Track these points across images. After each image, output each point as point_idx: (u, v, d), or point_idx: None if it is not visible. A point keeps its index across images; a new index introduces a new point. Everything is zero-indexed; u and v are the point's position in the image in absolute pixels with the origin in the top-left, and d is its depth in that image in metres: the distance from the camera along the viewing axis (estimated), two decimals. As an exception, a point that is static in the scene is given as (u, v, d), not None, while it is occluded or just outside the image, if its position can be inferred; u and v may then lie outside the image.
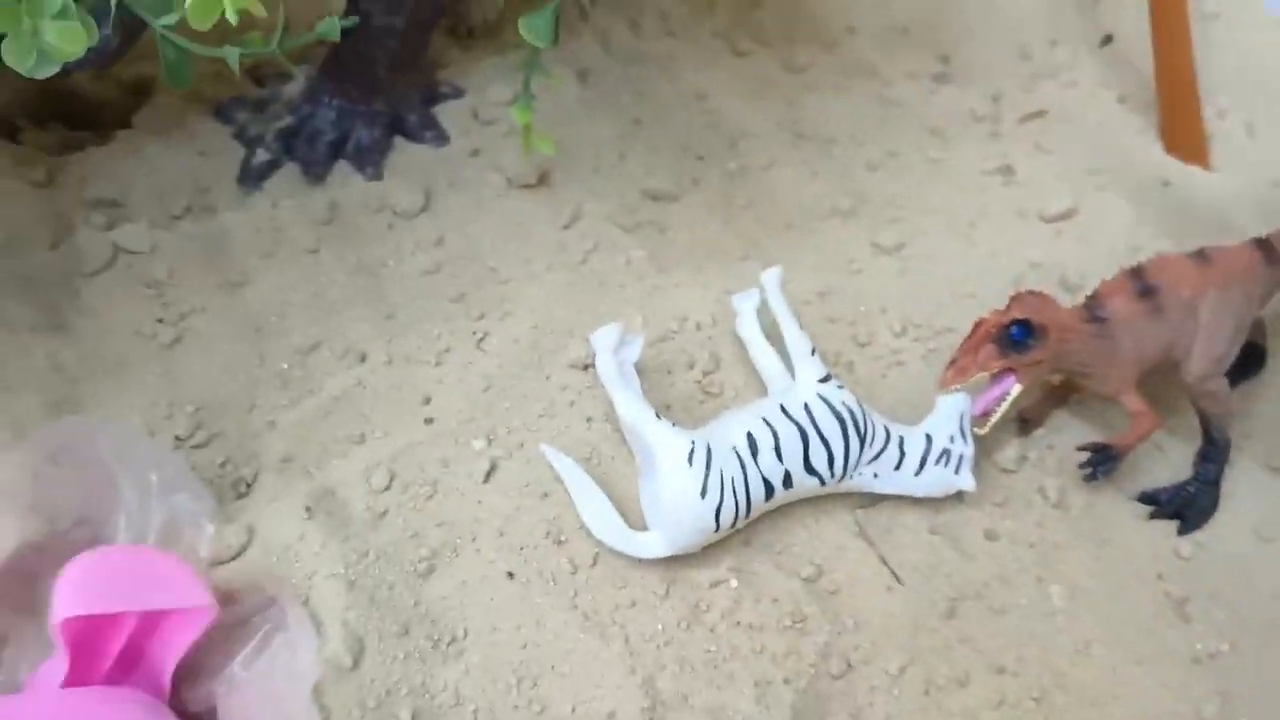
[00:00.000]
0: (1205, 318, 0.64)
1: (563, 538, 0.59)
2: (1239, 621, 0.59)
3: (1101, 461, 0.64)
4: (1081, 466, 0.64)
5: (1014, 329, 0.60)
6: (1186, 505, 0.65)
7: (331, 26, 0.52)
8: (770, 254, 0.73)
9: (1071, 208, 0.79)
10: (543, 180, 0.72)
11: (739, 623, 0.57)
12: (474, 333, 0.67)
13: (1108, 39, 0.93)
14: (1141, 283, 0.63)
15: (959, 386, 0.61)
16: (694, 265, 0.72)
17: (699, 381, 0.66)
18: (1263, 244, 0.66)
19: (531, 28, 0.61)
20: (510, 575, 0.57)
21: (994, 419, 0.62)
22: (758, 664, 0.55)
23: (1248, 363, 0.71)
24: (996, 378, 0.62)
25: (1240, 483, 0.66)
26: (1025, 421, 0.68)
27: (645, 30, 0.83)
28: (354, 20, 0.60)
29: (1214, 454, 0.66)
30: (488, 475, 0.61)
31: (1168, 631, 0.59)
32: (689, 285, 0.70)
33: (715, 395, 0.66)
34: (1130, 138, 0.85)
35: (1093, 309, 0.63)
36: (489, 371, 0.65)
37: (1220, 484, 0.65)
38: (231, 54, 0.47)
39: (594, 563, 0.58)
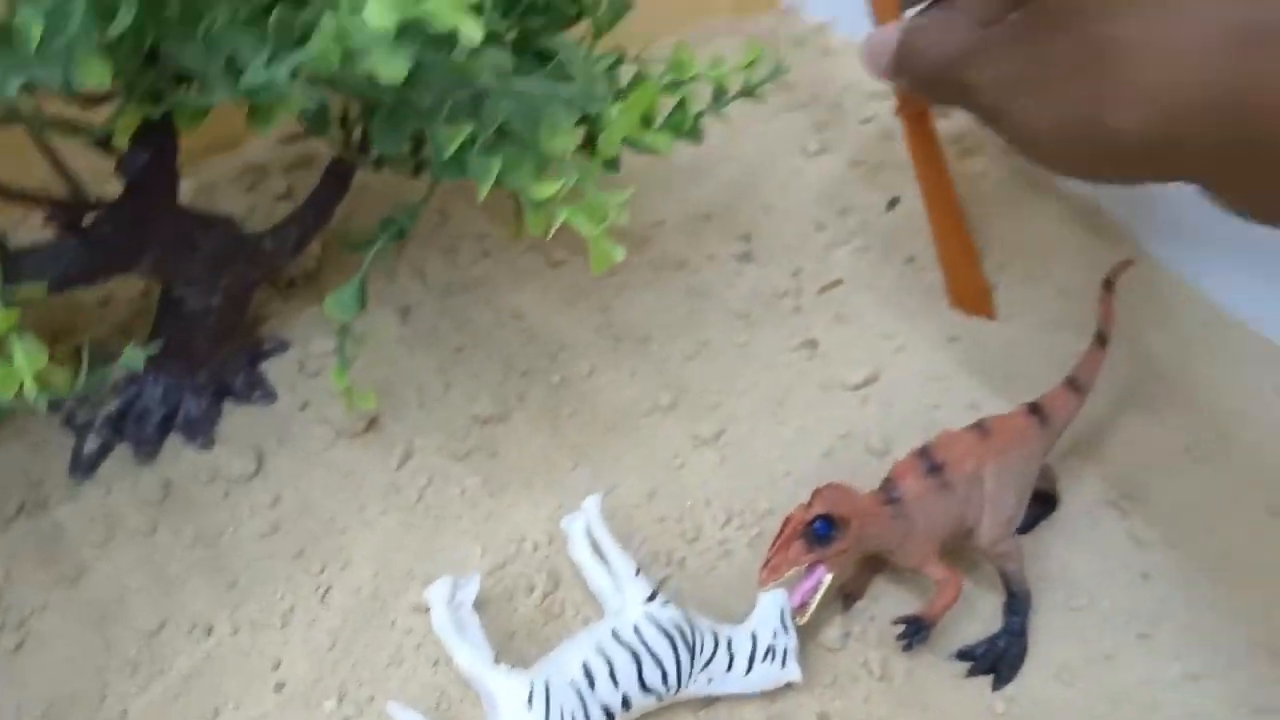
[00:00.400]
0: (990, 487, 0.70)
1: (418, 792, 0.61)
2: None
3: (915, 631, 0.69)
4: (898, 639, 0.69)
5: (818, 524, 0.65)
6: (998, 659, 0.71)
7: (134, 356, 0.55)
8: (597, 461, 0.78)
9: (872, 374, 0.86)
10: (371, 425, 0.76)
11: None
12: (316, 588, 0.69)
13: (894, 201, 1.02)
14: (929, 461, 0.69)
15: (776, 583, 0.66)
16: (526, 483, 0.76)
17: (540, 605, 0.70)
18: (1035, 408, 0.73)
19: (338, 304, 0.66)
20: (369, 838, 0.59)
21: (811, 608, 0.67)
22: None
23: (1041, 509, 0.78)
24: (809, 570, 0.67)
25: (1041, 628, 0.71)
26: (848, 596, 0.73)
27: (461, 257, 0.88)
28: (158, 346, 0.63)
29: (1017, 606, 0.72)
30: (343, 733, 0.63)
31: (990, 792, 0.64)
32: (523, 505, 0.74)
33: (557, 616, 0.69)
34: (920, 297, 0.93)
35: (888, 491, 0.69)
36: (333, 627, 0.68)
37: (1026, 633, 0.71)
38: (40, 403, 0.50)
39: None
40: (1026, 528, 0.78)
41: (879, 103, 1.08)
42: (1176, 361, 0.88)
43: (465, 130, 0.54)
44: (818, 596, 0.67)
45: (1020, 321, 0.91)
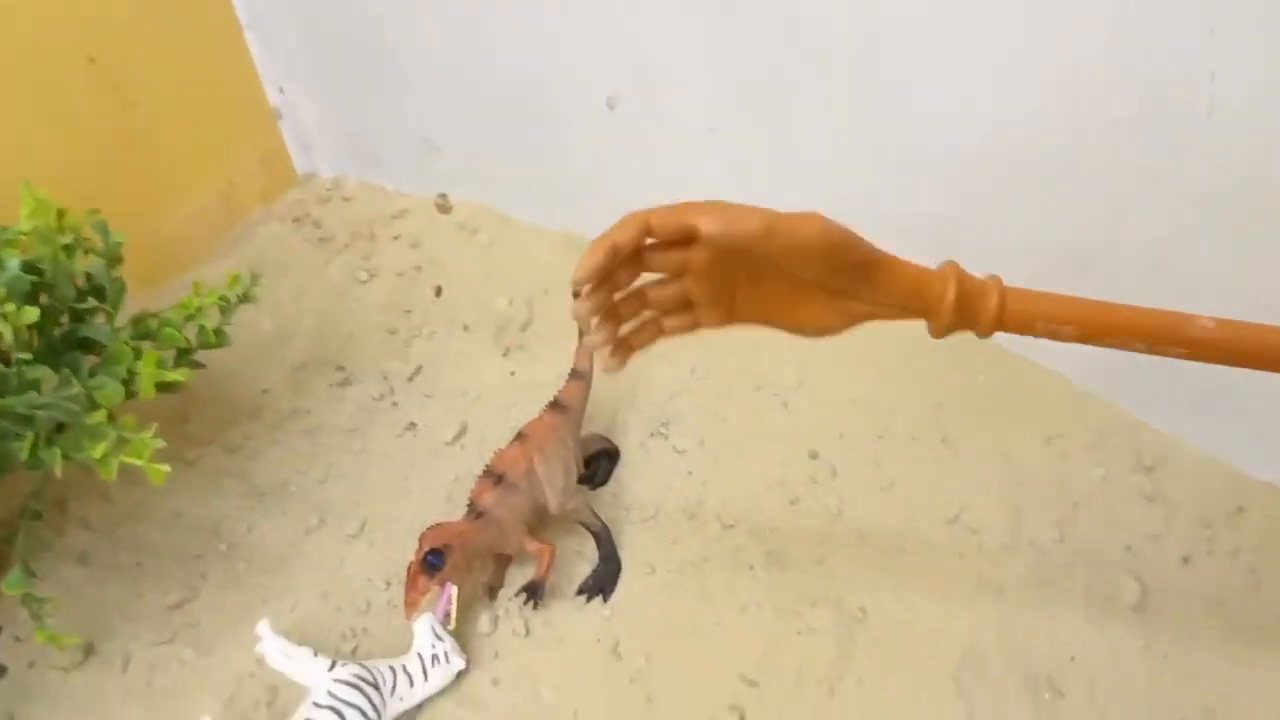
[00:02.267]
0: (541, 472, 0.96)
1: None
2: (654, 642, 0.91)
3: (534, 592, 0.94)
4: (525, 603, 0.95)
5: (429, 558, 0.89)
6: (602, 582, 0.97)
7: None
8: (280, 590, 0.99)
9: (461, 426, 1.11)
10: (90, 652, 0.95)
11: None
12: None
13: (439, 290, 1.28)
14: (493, 476, 0.95)
15: (418, 613, 0.90)
16: (232, 634, 0.96)
17: (267, 714, 0.91)
18: (555, 404, 1.00)
19: (11, 584, 0.84)
20: None
21: (453, 615, 0.91)
22: None
23: (608, 458, 1.06)
24: (441, 591, 0.91)
25: (628, 544, 0.98)
26: (492, 589, 0.98)
27: (114, 494, 1.07)
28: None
29: (601, 541, 0.98)
30: None
31: (613, 680, 0.89)
32: (235, 651, 0.95)
33: (284, 716, 0.90)
34: (482, 352, 1.19)
35: (473, 509, 0.94)
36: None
37: (617, 555, 0.98)
38: None
39: None
40: (605, 480, 1.05)
41: (401, 221, 1.35)
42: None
43: (29, 438, 0.75)
44: (454, 606, 0.91)
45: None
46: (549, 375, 1.13)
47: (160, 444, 0.79)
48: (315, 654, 0.89)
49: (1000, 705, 0.83)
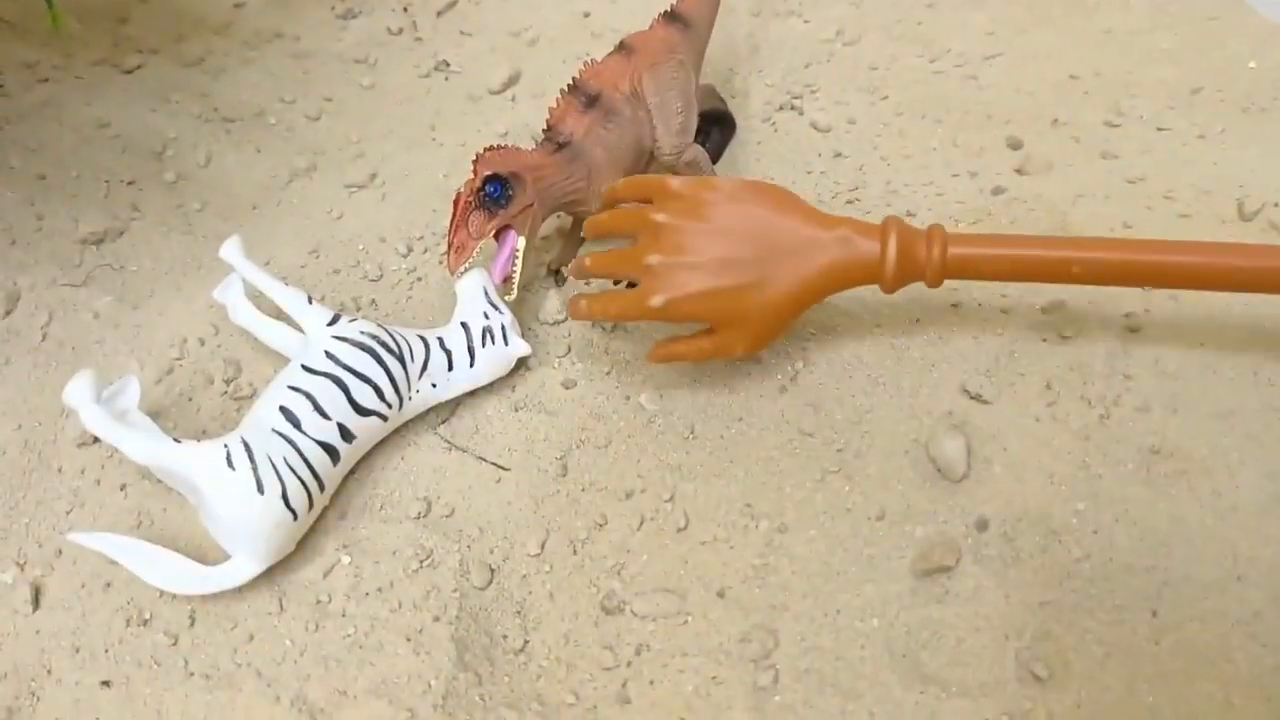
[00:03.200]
0: (652, 100, 0.66)
1: (146, 616, 0.52)
2: (802, 342, 0.63)
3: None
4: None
5: (489, 187, 0.59)
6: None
7: None
8: (246, 239, 0.68)
9: (513, 73, 0.80)
10: (-43, 281, 0.63)
11: (367, 593, 0.53)
12: (-47, 468, 0.57)
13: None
14: (583, 95, 0.64)
15: (469, 265, 0.59)
16: (172, 286, 0.66)
17: (225, 392, 0.61)
18: (671, 16, 0.69)
19: None
20: (106, 684, 0.50)
21: (516, 280, 0.61)
22: (401, 619, 0.52)
23: (720, 127, 0.75)
24: (499, 241, 0.61)
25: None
26: (556, 273, 0.68)
27: (12, 88, 0.74)
28: None
29: None
30: (35, 600, 0.53)
31: (747, 379, 0.61)
32: (175, 306, 0.64)
33: (247, 397, 0.60)
34: (539, -9, 0.87)
35: (554, 138, 0.63)
36: (-11, 498, 0.56)
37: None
38: None
39: (192, 622, 0.52)
40: (716, 155, 0.75)
41: None
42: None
43: None
44: (518, 265, 0.61)
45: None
46: (640, 18, 0.82)
47: None
48: (310, 300, 0.58)
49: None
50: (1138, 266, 0.53)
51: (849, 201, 0.70)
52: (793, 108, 0.77)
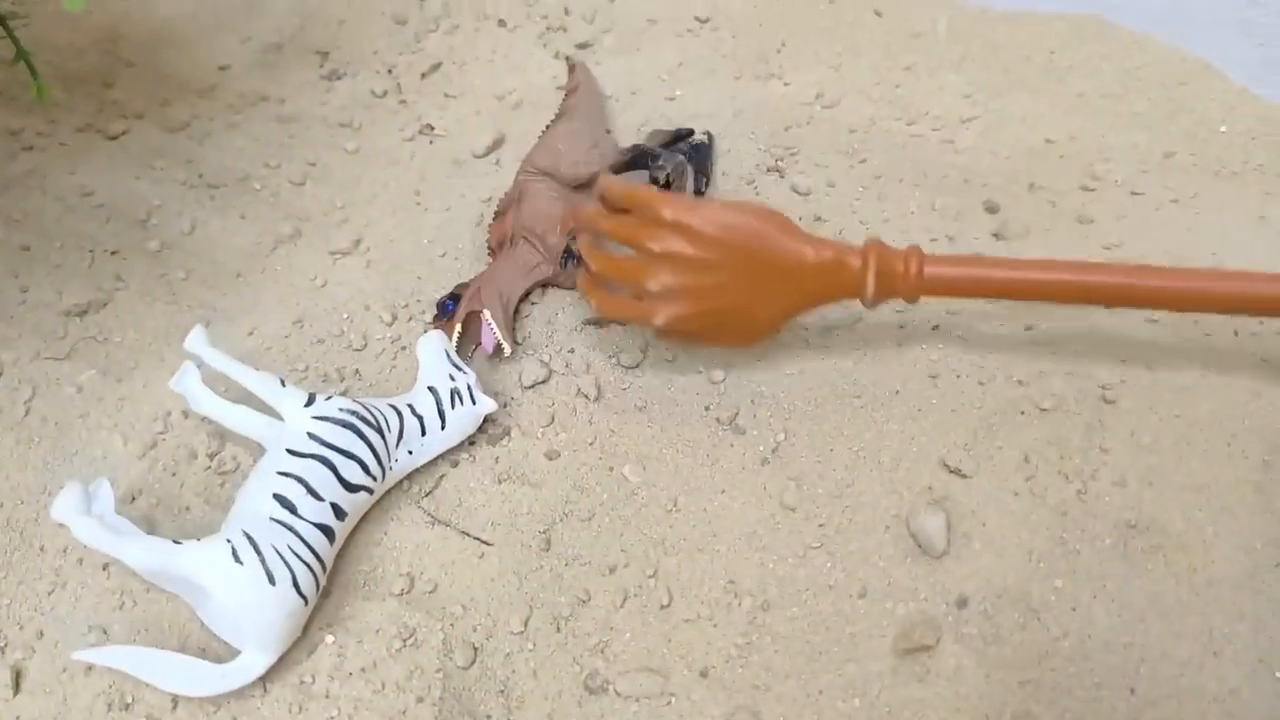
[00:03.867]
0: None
1: (128, 700, 0.52)
2: (784, 414, 0.63)
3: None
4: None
5: (447, 304, 0.67)
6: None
7: None
8: (230, 310, 0.68)
9: (497, 137, 0.80)
10: (-60, 356, 0.63)
11: (350, 673, 0.53)
12: (-68, 549, 0.57)
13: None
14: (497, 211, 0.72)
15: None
16: (156, 357, 0.66)
17: (209, 467, 0.61)
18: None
19: None
20: (86, 773, 0.50)
21: (503, 339, 0.64)
22: (384, 701, 0.52)
23: (695, 148, 0.76)
24: (470, 327, 0.65)
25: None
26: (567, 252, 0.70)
27: (-7, 153, 0.75)
28: None
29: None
30: (15, 684, 0.52)
31: (730, 450, 0.61)
32: (158, 379, 0.64)
33: (231, 472, 0.60)
34: (527, 50, 0.88)
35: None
36: (-29, 578, 0.56)
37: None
38: None
39: (175, 705, 0.52)
40: (702, 168, 0.76)
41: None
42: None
43: None
44: (498, 330, 0.63)
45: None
46: (616, 84, 0.83)
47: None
48: (283, 383, 0.58)
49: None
50: (1107, 288, 0.57)
51: (829, 267, 0.71)
52: (773, 170, 0.78)
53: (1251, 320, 0.65)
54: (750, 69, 0.86)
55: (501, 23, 0.91)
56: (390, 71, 0.87)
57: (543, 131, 0.76)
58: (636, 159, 0.72)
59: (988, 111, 0.81)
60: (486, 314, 0.63)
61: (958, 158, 0.78)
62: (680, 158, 0.70)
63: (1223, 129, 0.78)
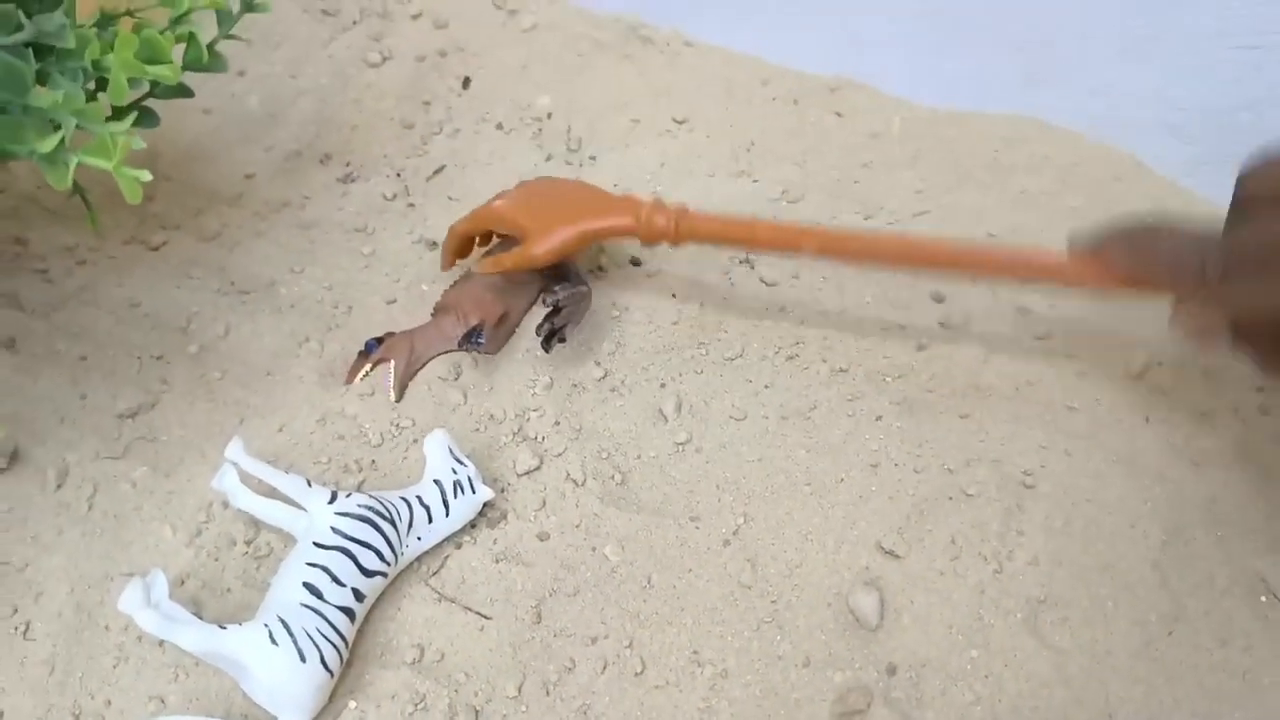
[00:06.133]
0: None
1: (184, 763, 0.61)
2: (745, 499, 0.72)
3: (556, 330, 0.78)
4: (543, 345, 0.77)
5: (368, 345, 0.80)
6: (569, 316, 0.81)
7: None
8: (262, 408, 0.78)
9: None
10: (15, 459, 0.73)
11: (369, 736, 0.62)
12: (14, 630, 0.67)
13: (467, 81, 1.05)
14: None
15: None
16: (198, 453, 0.75)
17: (246, 552, 0.70)
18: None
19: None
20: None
21: (392, 387, 0.78)
22: (398, 761, 0.61)
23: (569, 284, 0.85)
24: (380, 372, 0.80)
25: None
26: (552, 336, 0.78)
27: (55, 273, 0.84)
28: None
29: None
30: (87, 750, 0.62)
31: (696, 532, 0.70)
32: (201, 474, 0.74)
33: (266, 556, 0.70)
34: (523, 152, 0.98)
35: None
36: (47, 655, 0.65)
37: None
38: None
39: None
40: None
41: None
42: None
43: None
44: (392, 378, 0.78)
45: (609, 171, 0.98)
46: (606, 179, 0.92)
47: (140, 145, 0.57)
48: (309, 483, 0.68)
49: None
50: (853, 243, 0.72)
51: (790, 357, 0.80)
52: (745, 262, 0.87)
53: (1162, 406, 0.74)
54: (723, 167, 0.95)
55: (499, 126, 1.01)
56: (399, 175, 0.97)
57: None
58: (559, 270, 0.83)
59: (939, 206, 0.90)
60: (392, 364, 0.78)
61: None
62: (584, 287, 0.81)
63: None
